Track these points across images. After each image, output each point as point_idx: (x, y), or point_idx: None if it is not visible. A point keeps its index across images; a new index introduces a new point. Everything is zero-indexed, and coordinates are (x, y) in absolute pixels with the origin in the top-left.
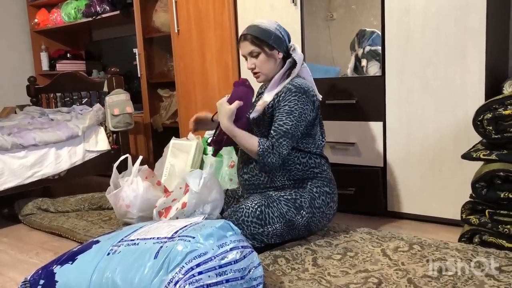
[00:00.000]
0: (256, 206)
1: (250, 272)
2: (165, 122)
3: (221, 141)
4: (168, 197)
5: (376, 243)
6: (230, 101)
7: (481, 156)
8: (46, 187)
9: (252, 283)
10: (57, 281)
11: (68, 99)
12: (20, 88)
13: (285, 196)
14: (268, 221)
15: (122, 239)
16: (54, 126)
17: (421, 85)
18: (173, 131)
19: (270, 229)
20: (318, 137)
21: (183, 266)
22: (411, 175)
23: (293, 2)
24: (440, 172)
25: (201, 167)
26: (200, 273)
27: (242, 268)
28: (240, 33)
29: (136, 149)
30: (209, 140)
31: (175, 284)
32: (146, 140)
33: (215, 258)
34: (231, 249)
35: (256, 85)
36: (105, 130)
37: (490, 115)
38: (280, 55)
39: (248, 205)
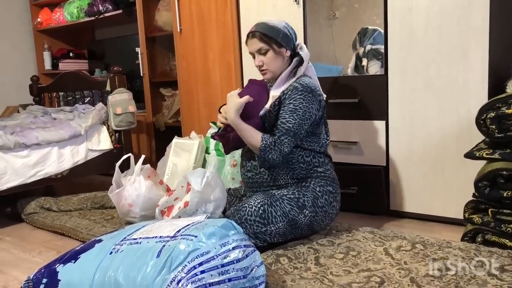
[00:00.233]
0: (259, 205)
1: (253, 271)
2: (168, 121)
3: (227, 137)
4: (171, 196)
5: (378, 242)
6: (242, 95)
7: (484, 155)
8: (49, 186)
9: (255, 282)
10: (59, 280)
11: (70, 98)
12: (23, 87)
13: (288, 195)
14: (271, 220)
15: (125, 238)
16: (57, 125)
17: (423, 84)
18: (176, 130)
19: (273, 228)
20: (323, 136)
21: (185, 265)
22: (413, 174)
23: (295, 1)
24: (442, 171)
25: (203, 166)
26: (202, 272)
27: (244, 267)
28: (242, 32)
29: (138, 148)
30: (212, 134)
31: (178, 283)
32: (149, 139)
33: (217, 257)
34: (233, 248)
35: (257, 76)
36: (108, 129)
37: (493, 114)
38: (288, 53)
39: (251, 204)
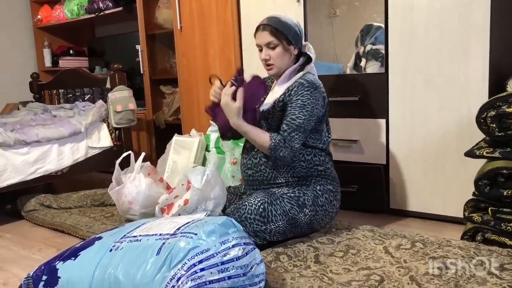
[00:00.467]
0: (259, 204)
1: (252, 269)
2: (168, 119)
3: (216, 111)
4: (171, 194)
5: (378, 241)
6: (235, 93)
7: (484, 153)
8: (49, 184)
9: (254, 280)
10: (59, 277)
11: (70, 95)
12: (23, 85)
13: (288, 194)
14: (271, 218)
15: (125, 235)
16: (57, 123)
17: (424, 82)
18: (176, 128)
19: (272, 226)
20: (325, 133)
21: (185, 263)
22: (414, 173)
23: None
24: (443, 170)
25: (203, 164)
26: (202, 269)
27: (244, 265)
28: (242, 28)
29: (138, 145)
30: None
31: (178, 281)
32: (149, 137)
33: (217, 254)
34: (233, 246)
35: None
36: (108, 126)
37: (494, 113)
38: (295, 52)
39: (251, 202)
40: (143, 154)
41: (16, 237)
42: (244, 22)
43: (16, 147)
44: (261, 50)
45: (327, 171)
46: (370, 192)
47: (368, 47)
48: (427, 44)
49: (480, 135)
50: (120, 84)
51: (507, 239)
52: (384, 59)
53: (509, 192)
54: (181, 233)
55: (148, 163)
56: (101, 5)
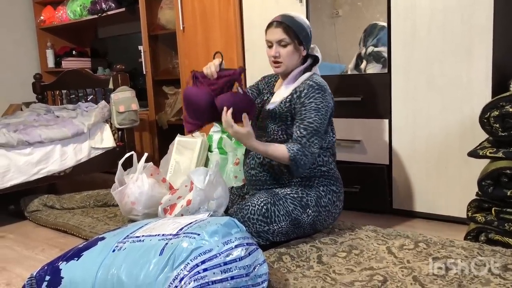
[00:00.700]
0: (262, 204)
1: (255, 269)
2: (170, 119)
3: (202, 82)
4: (173, 195)
5: (381, 241)
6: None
7: (488, 153)
8: (52, 184)
9: (257, 280)
10: (62, 277)
11: (73, 96)
12: (26, 85)
13: (291, 194)
14: (274, 219)
15: (128, 235)
16: (60, 123)
17: (427, 82)
18: (178, 129)
19: (275, 227)
20: (329, 134)
21: (188, 263)
22: (417, 173)
23: None
24: (446, 170)
25: (206, 165)
26: (205, 270)
27: (247, 265)
28: (244, 28)
29: (141, 146)
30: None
31: (180, 281)
32: (151, 137)
33: (220, 255)
34: (236, 246)
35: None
36: (111, 127)
37: (497, 113)
38: (304, 53)
39: (254, 203)
40: (145, 154)
41: (19, 238)
42: (247, 23)
43: (19, 148)
44: (270, 47)
45: (331, 171)
46: (373, 192)
47: (370, 48)
48: (430, 45)
49: (483, 135)
50: (123, 85)
51: (510, 240)
52: (386, 61)
53: None
54: (184, 233)
55: (150, 163)
56: (103, 6)
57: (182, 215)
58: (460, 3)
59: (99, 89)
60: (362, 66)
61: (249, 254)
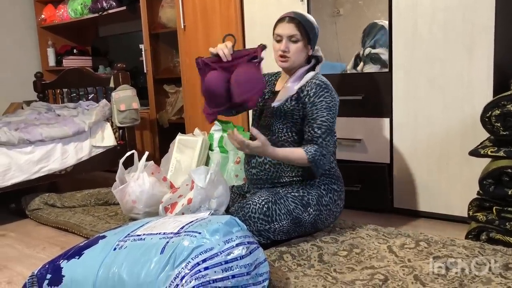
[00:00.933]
0: (263, 203)
1: (256, 268)
2: (171, 118)
3: (208, 68)
4: (174, 193)
5: (382, 240)
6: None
7: (489, 153)
8: (53, 183)
9: (258, 279)
10: (63, 276)
11: (74, 94)
12: (27, 84)
13: (292, 193)
14: (275, 218)
15: (129, 234)
16: (61, 122)
17: (428, 81)
18: (179, 127)
19: (276, 226)
20: None
21: (189, 262)
22: (417, 172)
23: None
24: (447, 169)
25: (207, 163)
26: (206, 268)
27: (248, 264)
28: (245, 27)
29: (142, 145)
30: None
31: (181, 279)
32: (152, 136)
33: (221, 253)
34: (237, 245)
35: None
36: (112, 125)
37: (498, 112)
38: (310, 52)
39: (255, 201)
40: (146, 153)
41: (20, 236)
42: (248, 21)
43: (20, 146)
44: (279, 41)
45: (332, 170)
46: (374, 191)
47: (367, 50)
48: (431, 43)
49: (485, 134)
50: (124, 84)
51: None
52: (384, 63)
53: None
54: (185, 232)
55: (151, 162)
56: (104, 4)
57: (183, 213)
58: (461, 2)
59: (100, 87)
60: (359, 67)
61: (250, 252)
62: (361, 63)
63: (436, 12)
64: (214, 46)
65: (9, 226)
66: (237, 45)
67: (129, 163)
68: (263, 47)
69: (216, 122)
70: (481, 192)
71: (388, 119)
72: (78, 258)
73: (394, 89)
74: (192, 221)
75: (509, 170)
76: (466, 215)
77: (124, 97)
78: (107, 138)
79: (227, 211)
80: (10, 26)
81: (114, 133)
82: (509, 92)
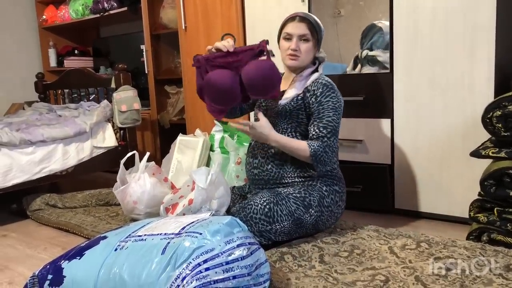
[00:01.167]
0: (265, 203)
1: (257, 269)
2: (172, 119)
3: (206, 64)
4: (176, 194)
5: (383, 241)
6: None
7: (490, 153)
8: (54, 183)
9: (259, 280)
10: (65, 276)
11: (75, 95)
12: (28, 85)
13: (294, 194)
14: (276, 218)
15: (130, 235)
16: (62, 122)
17: (429, 82)
18: (180, 128)
19: (278, 226)
20: None
21: (190, 262)
22: (419, 173)
23: None
24: (448, 170)
25: (208, 164)
26: (207, 269)
27: (249, 265)
28: (246, 28)
29: (143, 145)
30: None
31: (182, 280)
32: (153, 137)
33: (222, 254)
34: (238, 246)
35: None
36: (113, 126)
37: (500, 113)
38: (316, 53)
39: (256, 202)
40: (147, 153)
41: (21, 236)
42: (249, 22)
43: (22, 147)
44: (288, 39)
45: (334, 171)
46: (375, 192)
47: (365, 52)
48: (432, 44)
49: (486, 135)
50: (125, 84)
51: None
52: (381, 64)
53: None
54: (186, 232)
55: (152, 162)
56: (106, 5)
57: (184, 214)
58: (462, 3)
59: (101, 88)
60: (357, 69)
61: (251, 253)
62: (359, 65)
63: (437, 12)
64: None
65: (10, 226)
66: (238, 45)
67: (130, 163)
68: (267, 41)
69: (216, 122)
70: (482, 193)
71: (389, 120)
72: (79, 259)
73: (395, 90)
74: (193, 222)
75: (511, 171)
76: (467, 216)
77: (125, 97)
78: (108, 139)
79: (228, 212)
80: (12, 26)
81: (115, 134)
82: (510, 93)
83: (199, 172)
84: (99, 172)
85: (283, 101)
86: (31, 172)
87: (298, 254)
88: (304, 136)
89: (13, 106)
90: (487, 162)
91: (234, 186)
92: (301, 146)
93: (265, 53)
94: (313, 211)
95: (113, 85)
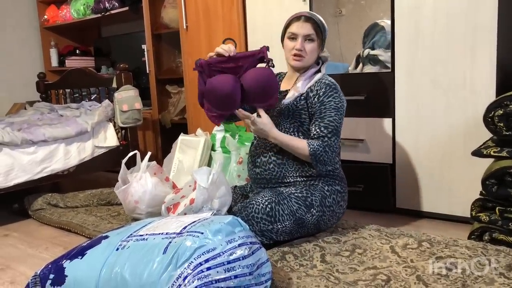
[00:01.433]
0: (267, 203)
1: (259, 268)
2: (174, 118)
3: (208, 70)
4: (177, 194)
5: (384, 240)
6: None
7: (492, 153)
8: (55, 183)
9: (261, 279)
10: (66, 276)
11: (77, 95)
12: (30, 84)
13: (296, 194)
14: (278, 218)
15: (131, 234)
16: (64, 122)
17: (431, 81)
18: (182, 128)
19: (279, 226)
20: None
21: (191, 262)
22: (420, 172)
23: None
24: (449, 169)
25: (209, 164)
26: (208, 268)
27: (250, 264)
28: (248, 28)
29: (144, 145)
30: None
31: (184, 280)
32: (155, 136)
33: (223, 253)
34: (239, 245)
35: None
36: (114, 126)
37: (501, 112)
38: (320, 53)
39: (258, 201)
40: (149, 153)
41: (23, 236)
42: (250, 22)
43: (23, 147)
44: (293, 39)
45: (336, 171)
46: (377, 191)
47: (366, 51)
48: (434, 44)
49: (487, 135)
50: (126, 84)
51: None
52: (383, 64)
53: None
54: (187, 232)
55: (154, 162)
56: (107, 5)
57: (185, 214)
58: (464, 3)
59: (103, 88)
60: (358, 68)
61: (253, 253)
62: (361, 64)
63: (439, 12)
64: (216, 46)
65: (12, 226)
66: (239, 48)
67: (131, 163)
68: (267, 48)
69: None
70: (484, 192)
71: (391, 119)
72: (81, 258)
73: (396, 90)
74: (195, 221)
75: None
76: (469, 216)
77: (127, 97)
78: (109, 139)
79: (229, 211)
80: (13, 26)
81: (117, 134)
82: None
83: (200, 172)
84: (100, 171)
85: (286, 100)
86: (32, 171)
87: (300, 254)
88: (306, 136)
89: (15, 106)
90: (488, 161)
91: (236, 186)
92: (301, 145)
93: (265, 60)
94: (314, 211)
95: (114, 85)
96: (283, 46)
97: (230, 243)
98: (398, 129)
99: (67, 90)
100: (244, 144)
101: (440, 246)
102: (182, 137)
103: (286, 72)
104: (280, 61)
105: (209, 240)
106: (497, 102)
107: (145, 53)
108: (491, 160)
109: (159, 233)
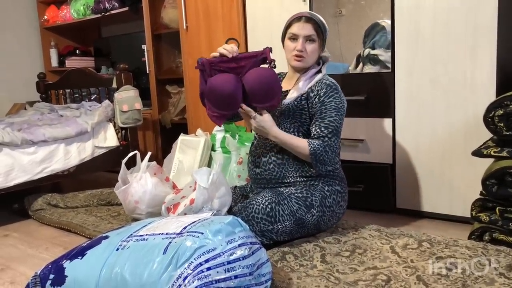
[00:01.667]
0: (267, 203)
1: (259, 269)
2: (174, 119)
3: (210, 70)
4: (177, 194)
5: (385, 240)
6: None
7: (492, 153)
8: (56, 183)
9: (261, 279)
10: (66, 276)
11: (77, 95)
12: (30, 85)
13: (296, 194)
14: (278, 218)
15: (131, 234)
16: (64, 122)
17: (431, 81)
18: (182, 128)
19: (279, 226)
20: None
21: (191, 262)
22: (420, 172)
23: None
24: (450, 169)
25: (209, 164)
26: (208, 268)
27: (250, 264)
28: (248, 28)
29: (144, 145)
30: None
31: (184, 280)
32: (155, 137)
33: (223, 254)
34: (239, 245)
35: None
36: (114, 126)
37: (502, 112)
38: (320, 53)
39: (258, 202)
40: (149, 153)
41: (23, 236)
42: (250, 22)
43: (23, 147)
44: (294, 40)
45: (336, 171)
46: (377, 191)
47: (367, 51)
48: (434, 44)
49: (488, 135)
50: (126, 84)
51: None
52: (383, 64)
53: None
54: (187, 232)
55: (154, 162)
56: (107, 5)
57: (185, 214)
58: (464, 3)
59: (103, 88)
60: (358, 68)
61: (253, 253)
62: (361, 64)
63: (439, 12)
64: (217, 47)
65: (12, 226)
66: (240, 48)
67: (131, 163)
68: (270, 49)
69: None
70: (484, 192)
71: (391, 120)
72: (81, 258)
73: (396, 90)
74: (195, 222)
75: None
76: (469, 216)
77: (127, 97)
78: (109, 139)
79: (229, 212)
80: (13, 26)
81: (117, 134)
82: None
83: (200, 172)
84: (100, 172)
85: (287, 100)
86: (32, 172)
87: (300, 254)
88: (307, 136)
89: (15, 106)
90: (489, 161)
91: (236, 186)
92: (301, 144)
93: (267, 61)
94: (315, 211)
95: (114, 85)
96: (283, 46)
97: (230, 243)
98: (398, 129)
99: (67, 90)
100: (244, 144)
101: (440, 246)
102: (182, 137)
103: (287, 72)
104: (280, 61)
105: (209, 240)
106: (497, 102)
107: (145, 53)
108: (491, 160)
109: (159, 233)
